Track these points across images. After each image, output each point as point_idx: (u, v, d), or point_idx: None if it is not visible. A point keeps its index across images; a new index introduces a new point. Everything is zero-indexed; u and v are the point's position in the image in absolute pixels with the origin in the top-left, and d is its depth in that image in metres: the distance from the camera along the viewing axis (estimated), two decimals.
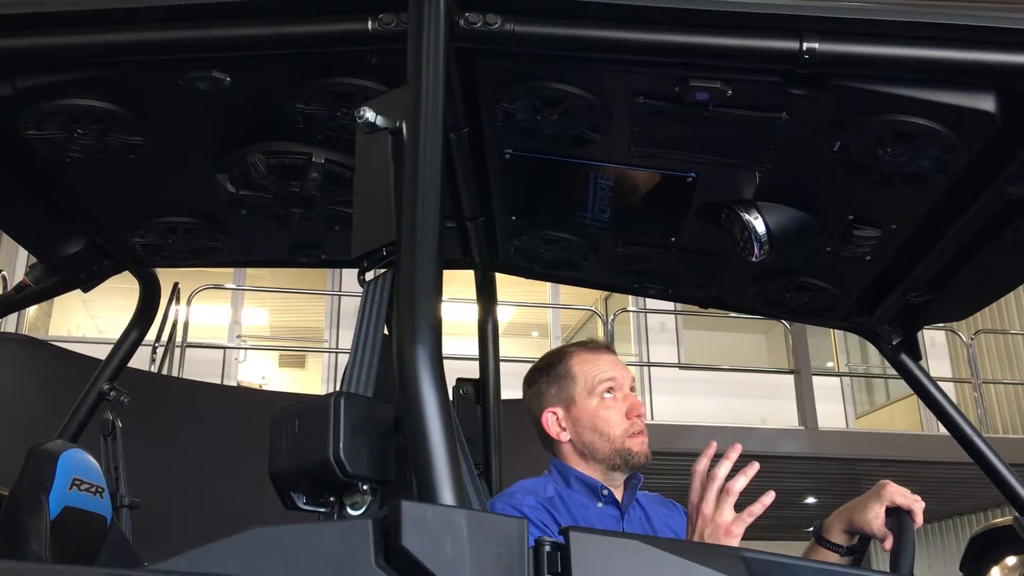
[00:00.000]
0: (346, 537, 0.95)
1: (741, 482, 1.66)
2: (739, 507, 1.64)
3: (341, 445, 1.05)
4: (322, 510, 1.10)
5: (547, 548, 0.96)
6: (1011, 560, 2.06)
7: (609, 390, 1.99)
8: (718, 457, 1.72)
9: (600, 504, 1.97)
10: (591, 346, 2.09)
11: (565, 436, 2.01)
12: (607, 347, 2.10)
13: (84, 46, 1.51)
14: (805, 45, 1.34)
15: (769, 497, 1.62)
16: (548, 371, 2.07)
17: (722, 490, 1.65)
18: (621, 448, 1.95)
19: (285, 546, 0.95)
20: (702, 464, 1.71)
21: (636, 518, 2.04)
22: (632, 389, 2.03)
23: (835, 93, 1.43)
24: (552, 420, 2.02)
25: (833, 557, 1.98)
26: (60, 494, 2.05)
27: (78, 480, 2.12)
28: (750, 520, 1.63)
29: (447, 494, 0.97)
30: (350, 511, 1.07)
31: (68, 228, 2.11)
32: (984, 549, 2.14)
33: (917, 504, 1.87)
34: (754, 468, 1.67)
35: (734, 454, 1.69)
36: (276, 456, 1.11)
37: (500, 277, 2.51)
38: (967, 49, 1.34)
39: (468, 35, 1.39)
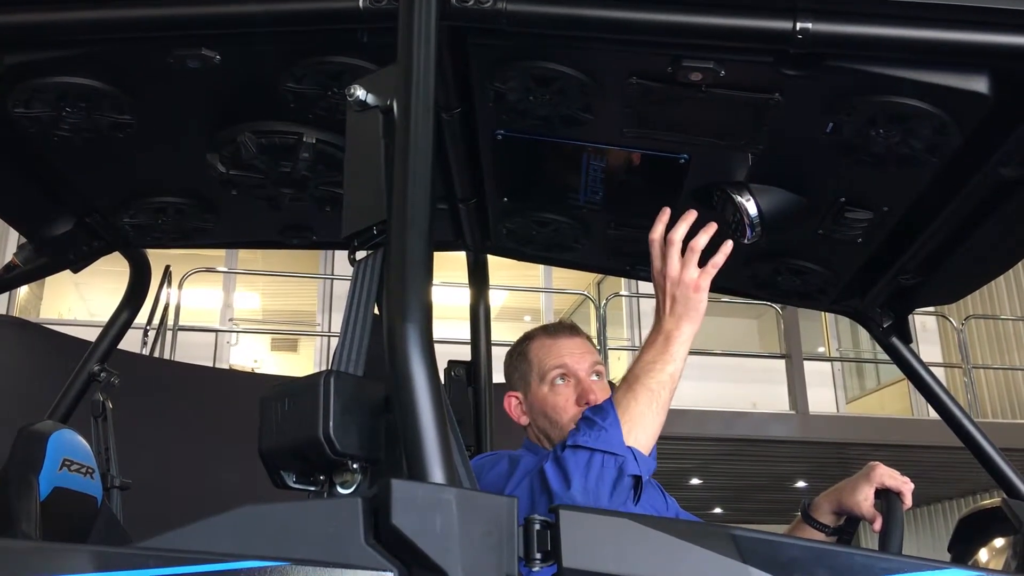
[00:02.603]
0: (336, 515, 0.95)
1: (702, 239, 1.67)
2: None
3: (331, 423, 1.05)
4: (312, 488, 1.10)
5: (537, 526, 0.96)
6: (999, 542, 2.07)
7: (562, 376, 1.96)
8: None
9: None
10: (551, 330, 2.06)
11: (525, 420, 2.02)
12: (569, 329, 2.06)
13: (73, 23, 1.49)
14: (799, 25, 1.34)
15: (728, 246, 1.67)
16: (513, 355, 2.07)
17: (684, 251, 1.67)
18: None
19: (275, 524, 0.95)
20: (658, 231, 1.71)
21: None
22: (598, 373, 1.99)
23: (828, 74, 1.42)
24: (514, 404, 2.03)
25: (818, 537, 1.99)
26: (50, 474, 2.04)
27: (68, 460, 2.11)
28: (714, 271, 1.66)
29: (437, 472, 0.97)
30: (340, 489, 1.07)
31: (57, 208, 2.10)
32: (973, 531, 2.16)
33: (906, 486, 1.89)
34: (712, 227, 1.69)
35: (690, 218, 1.70)
36: (266, 435, 1.11)
37: (494, 261, 2.51)
38: (960, 30, 1.33)
39: (460, 14, 1.38)
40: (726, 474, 10.07)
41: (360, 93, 1.27)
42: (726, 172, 1.75)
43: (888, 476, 1.90)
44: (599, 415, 1.62)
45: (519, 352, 2.05)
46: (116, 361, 2.53)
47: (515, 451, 1.97)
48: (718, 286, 2.37)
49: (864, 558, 1.03)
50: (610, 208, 1.98)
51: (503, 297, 11.09)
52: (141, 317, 3.08)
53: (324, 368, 1.12)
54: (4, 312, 7.28)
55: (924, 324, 10.71)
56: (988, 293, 10.80)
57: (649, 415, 1.62)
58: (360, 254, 1.25)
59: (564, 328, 2.07)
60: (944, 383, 2.25)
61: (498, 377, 2.59)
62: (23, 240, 2.26)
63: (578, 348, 2.01)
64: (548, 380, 1.97)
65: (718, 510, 12.26)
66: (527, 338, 2.07)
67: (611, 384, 2.10)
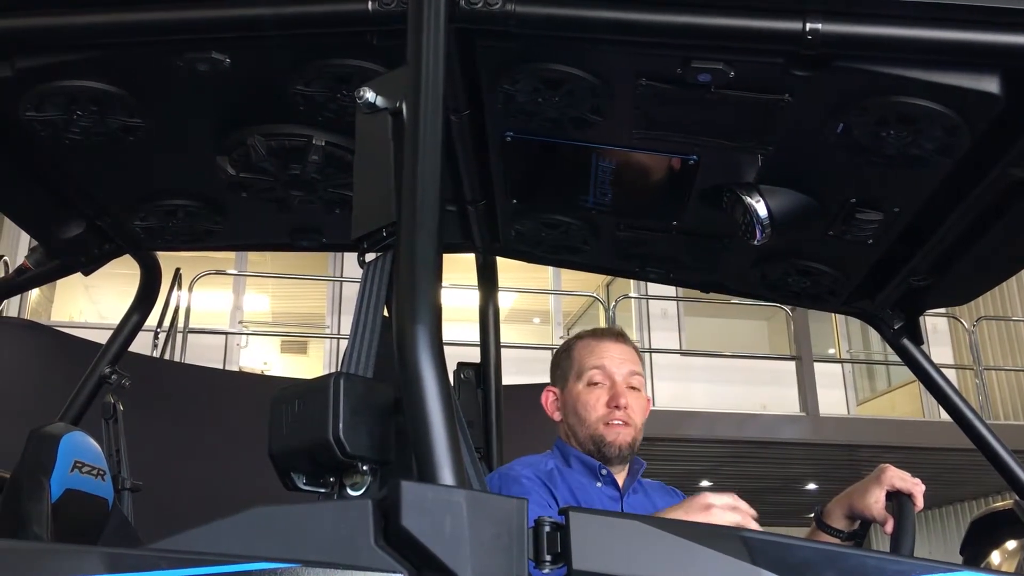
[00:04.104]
0: (346, 517, 0.95)
1: (751, 517, 1.60)
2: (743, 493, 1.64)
3: (341, 425, 1.05)
4: (322, 490, 1.10)
5: (547, 528, 0.96)
6: (1011, 544, 2.06)
7: (598, 377, 2.02)
8: None
9: (599, 484, 1.98)
10: (597, 333, 2.14)
11: (558, 416, 2.09)
12: (616, 335, 2.12)
13: (84, 27, 1.50)
14: (808, 26, 1.33)
15: (752, 521, 1.58)
16: (559, 353, 2.16)
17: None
18: (595, 434, 1.99)
19: (285, 526, 0.95)
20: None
21: (638, 503, 2.05)
22: (635, 385, 2.03)
23: (838, 74, 1.42)
24: (550, 398, 2.11)
25: (834, 542, 1.99)
26: (62, 476, 2.05)
27: (80, 463, 2.12)
28: (726, 514, 1.59)
29: (447, 474, 0.97)
30: (350, 491, 1.08)
31: (68, 211, 2.11)
32: (985, 533, 2.15)
33: (917, 487, 1.87)
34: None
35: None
36: (276, 436, 1.11)
37: (503, 263, 2.51)
38: (971, 30, 1.33)
39: (468, 16, 1.38)
40: (736, 476, 10.04)
41: (369, 95, 1.28)
42: (736, 173, 1.75)
43: (898, 478, 1.89)
44: None
45: (565, 349, 2.14)
46: (127, 363, 2.54)
47: (533, 464, 1.97)
48: (729, 288, 2.38)
49: (875, 560, 1.02)
50: (619, 209, 1.98)
51: (512, 299, 11.10)
52: (152, 320, 3.09)
53: (334, 370, 1.12)
54: (15, 314, 7.31)
55: (935, 326, 10.66)
56: (1000, 294, 10.73)
57: None
58: (369, 256, 1.25)
59: (611, 333, 2.14)
60: (955, 385, 2.24)
61: (507, 379, 2.60)
62: (34, 243, 2.27)
63: (619, 354, 2.06)
64: (584, 379, 2.03)
65: None
66: (576, 337, 2.16)
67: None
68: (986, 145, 1.50)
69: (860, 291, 2.15)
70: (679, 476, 9.24)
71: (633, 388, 2.03)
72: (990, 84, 1.37)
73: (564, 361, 2.11)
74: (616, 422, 1.98)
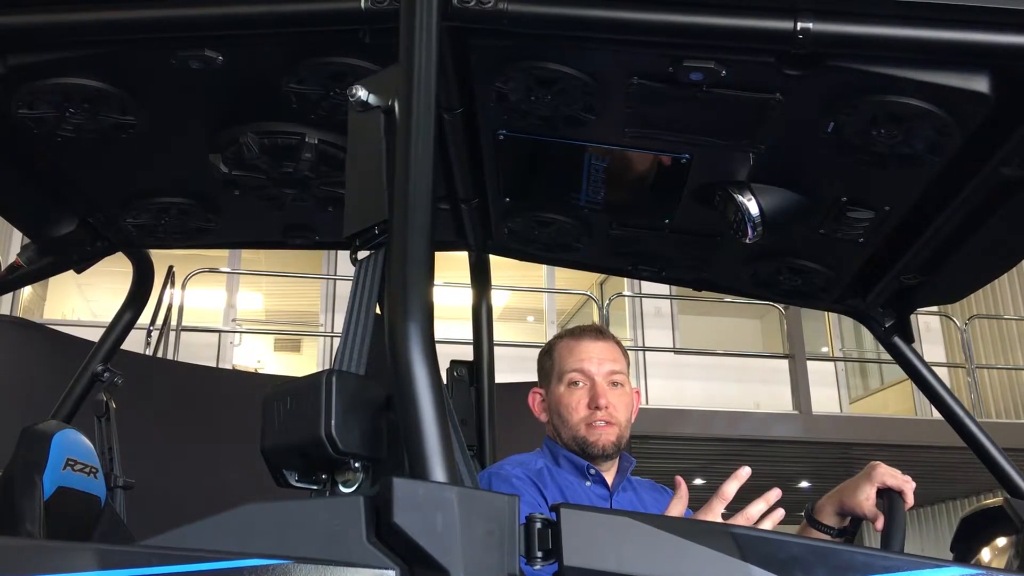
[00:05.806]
0: (338, 514, 0.96)
1: (732, 486, 1.72)
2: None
3: (333, 422, 1.05)
4: (314, 487, 1.10)
5: (538, 525, 0.97)
6: (1001, 541, 2.07)
7: (577, 378, 2.01)
8: None
9: (588, 483, 1.98)
10: (576, 332, 2.12)
11: (544, 417, 2.09)
12: (595, 333, 2.10)
13: (76, 24, 1.50)
14: (799, 25, 1.34)
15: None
16: (542, 354, 2.14)
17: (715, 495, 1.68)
18: (578, 436, 1.99)
19: (276, 522, 0.96)
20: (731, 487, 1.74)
21: (627, 500, 2.05)
22: (616, 383, 2.02)
23: (829, 74, 1.42)
24: (537, 400, 2.11)
25: (824, 539, 1.99)
26: (54, 474, 2.05)
27: (72, 460, 2.12)
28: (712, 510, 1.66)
29: (438, 471, 0.97)
30: (342, 488, 1.08)
31: (61, 208, 2.10)
32: (975, 530, 2.15)
33: (908, 484, 1.88)
34: (746, 471, 1.74)
35: (743, 474, 1.74)
36: (268, 433, 1.11)
37: (497, 261, 2.51)
38: (962, 29, 1.33)
39: (461, 14, 1.38)
40: (729, 474, 10.04)
41: (362, 93, 1.28)
42: (728, 172, 1.75)
43: (889, 475, 1.90)
44: None
45: (547, 350, 2.13)
46: (119, 361, 2.54)
47: (523, 464, 1.98)
48: (721, 286, 2.39)
49: (865, 556, 1.03)
50: (612, 208, 1.99)
51: (506, 297, 11.10)
52: (144, 318, 3.10)
53: (326, 368, 1.12)
54: (8, 312, 7.29)
55: (928, 324, 10.69)
56: (992, 293, 10.78)
57: None
58: (362, 254, 1.25)
59: (590, 331, 2.11)
60: (948, 383, 2.25)
61: (501, 377, 2.60)
62: (27, 240, 2.27)
63: (599, 353, 2.04)
64: (565, 381, 2.03)
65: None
66: (557, 337, 2.15)
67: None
68: (976, 144, 1.51)
69: (851, 289, 2.16)
70: (672, 474, 9.22)
71: (615, 384, 2.02)
72: (980, 83, 1.38)
73: (546, 362, 2.10)
74: (598, 423, 1.97)
